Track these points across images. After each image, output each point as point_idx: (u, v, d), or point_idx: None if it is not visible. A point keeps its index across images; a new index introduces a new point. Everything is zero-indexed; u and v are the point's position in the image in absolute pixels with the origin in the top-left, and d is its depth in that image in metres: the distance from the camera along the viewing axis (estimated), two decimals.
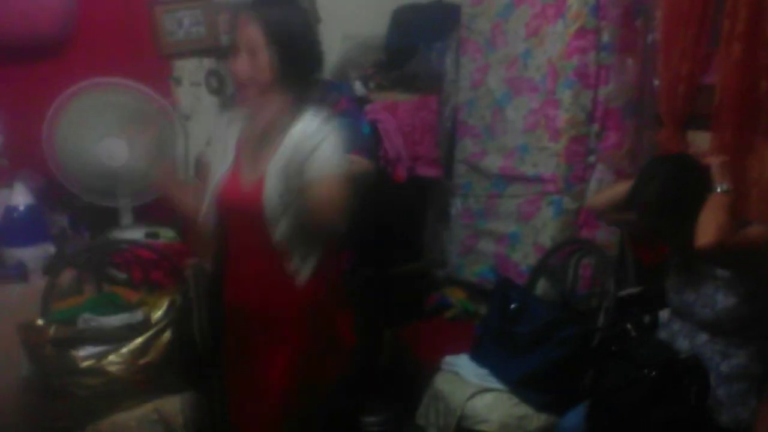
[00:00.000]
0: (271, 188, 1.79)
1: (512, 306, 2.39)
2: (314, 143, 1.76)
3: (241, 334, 2.00)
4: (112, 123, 2.59)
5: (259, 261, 1.90)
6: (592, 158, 2.59)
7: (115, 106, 2.63)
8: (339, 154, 1.80)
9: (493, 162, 2.90)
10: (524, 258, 2.76)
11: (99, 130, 2.60)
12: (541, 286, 2.61)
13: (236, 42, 1.81)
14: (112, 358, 2.18)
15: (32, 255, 2.49)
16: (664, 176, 1.90)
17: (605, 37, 2.53)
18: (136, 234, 2.69)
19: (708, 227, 1.77)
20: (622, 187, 2.08)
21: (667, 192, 1.88)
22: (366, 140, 2.85)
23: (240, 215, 1.88)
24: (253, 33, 1.77)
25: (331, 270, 1.96)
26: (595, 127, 2.56)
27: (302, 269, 1.87)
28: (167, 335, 2.26)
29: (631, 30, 2.53)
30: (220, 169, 1.92)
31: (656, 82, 2.50)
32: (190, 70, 3.05)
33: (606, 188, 2.43)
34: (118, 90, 2.63)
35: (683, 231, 1.84)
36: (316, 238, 1.86)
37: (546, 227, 2.65)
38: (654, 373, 1.88)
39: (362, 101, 3.08)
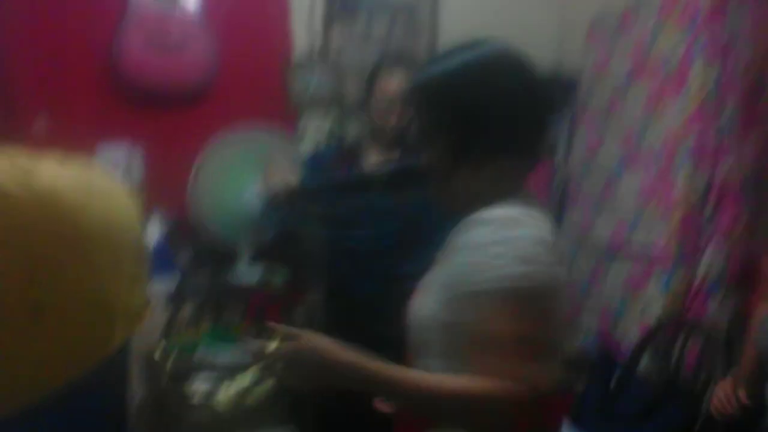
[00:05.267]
0: (422, 302, 1.28)
1: (613, 383, 2.36)
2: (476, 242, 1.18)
3: None
4: (251, 172, 2.75)
5: None
6: (705, 236, 2.54)
7: (254, 154, 2.77)
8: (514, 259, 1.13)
9: (602, 233, 2.88)
10: (628, 334, 2.71)
11: (241, 181, 2.76)
12: (644, 364, 2.55)
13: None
14: (221, 396, 2.29)
15: (157, 288, 2.67)
16: None
17: (726, 114, 2.50)
18: (253, 275, 2.83)
19: None
20: None
21: None
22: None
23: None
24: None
25: None
26: (710, 205, 2.52)
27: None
28: None
29: (753, 108, 2.49)
30: None
31: None
32: (313, 127, 3.20)
33: None
34: (255, 137, 2.78)
35: None
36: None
37: (653, 303, 2.61)
38: None
39: None
